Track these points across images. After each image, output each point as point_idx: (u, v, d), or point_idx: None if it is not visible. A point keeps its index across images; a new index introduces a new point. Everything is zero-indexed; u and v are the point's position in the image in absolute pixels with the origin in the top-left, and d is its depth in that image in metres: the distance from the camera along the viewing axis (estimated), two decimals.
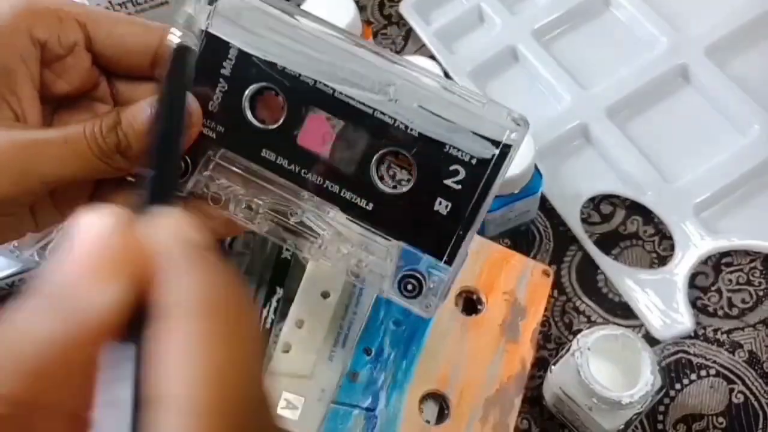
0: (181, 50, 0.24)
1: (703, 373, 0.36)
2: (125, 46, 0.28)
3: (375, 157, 0.26)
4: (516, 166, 0.36)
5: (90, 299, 0.16)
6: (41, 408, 0.15)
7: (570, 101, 0.44)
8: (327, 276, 0.36)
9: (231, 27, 0.27)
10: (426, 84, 0.25)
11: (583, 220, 0.41)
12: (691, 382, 0.36)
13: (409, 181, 0.26)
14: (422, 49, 0.48)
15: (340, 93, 0.26)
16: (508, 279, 0.37)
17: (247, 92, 0.27)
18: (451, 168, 0.25)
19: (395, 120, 0.26)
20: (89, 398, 0.16)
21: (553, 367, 0.33)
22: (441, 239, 0.26)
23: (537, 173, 0.38)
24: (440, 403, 0.35)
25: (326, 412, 0.33)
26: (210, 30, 0.27)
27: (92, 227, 0.17)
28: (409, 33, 0.50)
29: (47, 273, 0.16)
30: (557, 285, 0.39)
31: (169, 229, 0.17)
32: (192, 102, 0.26)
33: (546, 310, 0.38)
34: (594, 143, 0.43)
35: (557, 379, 0.32)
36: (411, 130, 0.25)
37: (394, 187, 0.26)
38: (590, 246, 0.40)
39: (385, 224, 0.26)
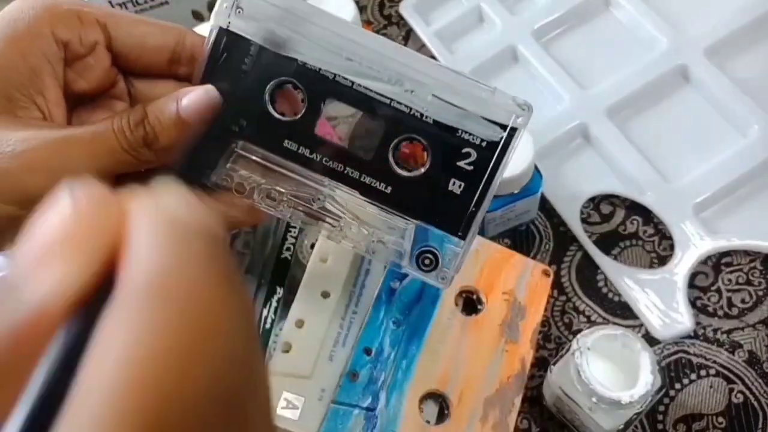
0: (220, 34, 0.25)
1: (702, 373, 0.36)
2: (144, 46, 0.29)
3: (392, 144, 0.28)
4: (516, 166, 0.36)
5: (39, 282, 0.14)
6: None
7: (570, 101, 0.44)
8: (327, 276, 0.36)
9: (251, 24, 0.28)
10: (438, 74, 0.28)
11: (583, 220, 0.41)
12: (691, 382, 0.36)
13: (424, 165, 0.28)
14: (422, 50, 0.48)
15: (359, 85, 0.28)
16: (508, 279, 0.37)
17: (268, 87, 0.28)
18: (464, 151, 0.28)
19: (411, 109, 0.28)
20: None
21: (552, 367, 0.33)
22: (455, 216, 0.28)
23: (537, 173, 0.38)
24: (440, 402, 0.35)
25: (326, 411, 0.33)
26: (230, 28, 0.28)
27: (58, 202, 0.15)
28: (409, 33, 0.50)
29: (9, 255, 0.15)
30: (557, 285, 0.39)
31: (154, 204, 0.15)
32: (217, 98, 0.27)
33: (546, 310, 0.38)
34: (594, 143, 0.43)
35: (557, 379, 0.32)
36: (426, 117, 0.28)
37: (411, 171, 0.28)
38: (590, 246, 0.40)
39: (402, 205, 0.28)
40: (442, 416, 0.34)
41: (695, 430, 0.35)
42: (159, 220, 0.15)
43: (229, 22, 0.28)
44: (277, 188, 0.28)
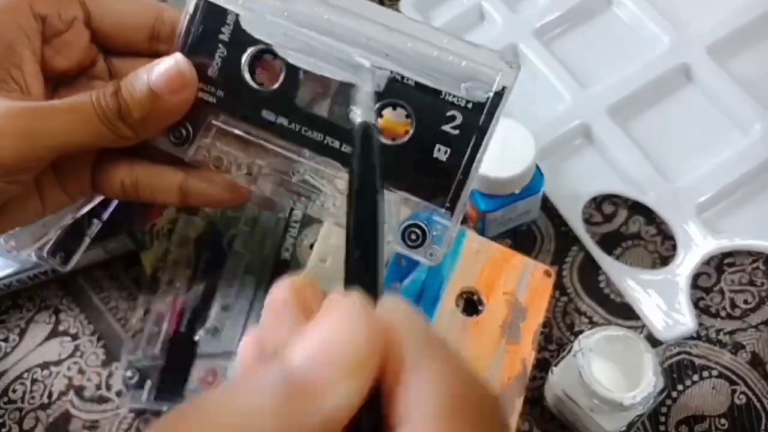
0: (367, 128, 0.23)
1: (705, 374, 0.36)
2: (123, 22, 0.29)
3: (375, 111, 0.26)
4: (517, 166, 0.36)
5: (326, 395, 0.15)
6: None
7: (571, 100, 0.43)
8: (326, 276, 0.36)
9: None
10: (419, 33, 0.26)
11: (585, 221, 0.40)
12: (694, 383, 0.35)
13: (407, 132, 0.27)
14: None
15: (339, 51, 0.27)
16: (509, 279, 0.37)
17: (245, 56, 0.27)
18: (449, 114, 0.26)
19: (391, 72, 0.26)
20: None
21: (554, 368, 0.33)
22: (442, 186, 0.26)
23: (538, 173, 0.38)
24: None
25: None
26: None
27: (341, 314, 0.16)
28: None
29: (293, 346, 0.16)
30: (559, 285, 0.39)
31: (405, 322, 0.17)
32: (186, 67, 0.26)
33: (547, 310, 0.37)
34: (595, 143, 0.43)
35: (559, 380, 0.32)
36: (407, 80, 0.26)
37: (393, 138, 0.27)
38: (592, 246, 0.39)
39: (386, 176, 0.26)
40: None
41: None
42: (417, 338, 0.16)
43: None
44: (257, 162, 0.27)
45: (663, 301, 0.37)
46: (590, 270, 0.39)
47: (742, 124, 0.41)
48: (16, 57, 0.26)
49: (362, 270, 0.19)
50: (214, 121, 0.27)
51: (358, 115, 0.23)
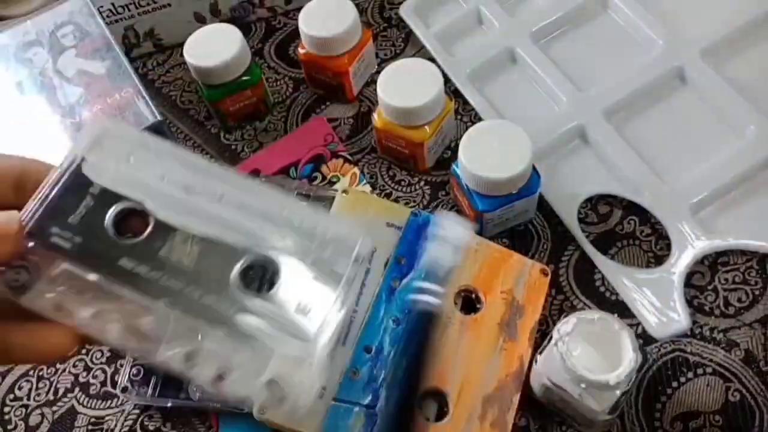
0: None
1: (699, 371, 0.36)
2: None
3: (238, 266, 0.26)
4: (514, 167, 0.37)
5: None
6: None
7: (567, 103, 0.44)
8: None
9: (103, 163, 0.27)
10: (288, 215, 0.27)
11: (581, 220, 0.41)
12: (688, 380, 0.36)
13: (272, 286, 0.26)
14: (421, 52, 0.49)
15: (212, 213, 0.27)
16: (506, 278, 0.38)
17: (111, 209, 0.27)
18: (313, 275, 0.26)
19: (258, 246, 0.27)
20: None
21: (538, 356, 0.33)
22: (301, 341, 0.26)
23: (535, 174, 0.39)
24: (439, 400, 0.35)
25: (327, 409, 0.34)
26: (83, 165, 0.27)
27: None
28: (409, 35, 0.50)
29: None
30: (555, 284, 0.39)
31: None
32: (13, 223, 0.25)
33: (544, 309, 0.38)
34: (591, 144, 0.43)
35: (543, 370, 0.33)
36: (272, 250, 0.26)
37: (259, 293, 0.26)
38: (588, 246, 0.40)
39: (246, 329, 0.26)
40: (441, 414, 0.35)
41: (692, 428, 0.35)
42: None
43: (83, 157, 0.27)
44: (106, 307, 0.26)
45: (657, 300, 0.38)
46: (586, 269, 0.40)
47: (736, 126, 0.42)
48: None
49: None
50: (62, 266, 0.26)
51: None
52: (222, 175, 0.28)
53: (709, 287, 0.38)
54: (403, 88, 0.40)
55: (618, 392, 0.31)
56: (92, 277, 0.26)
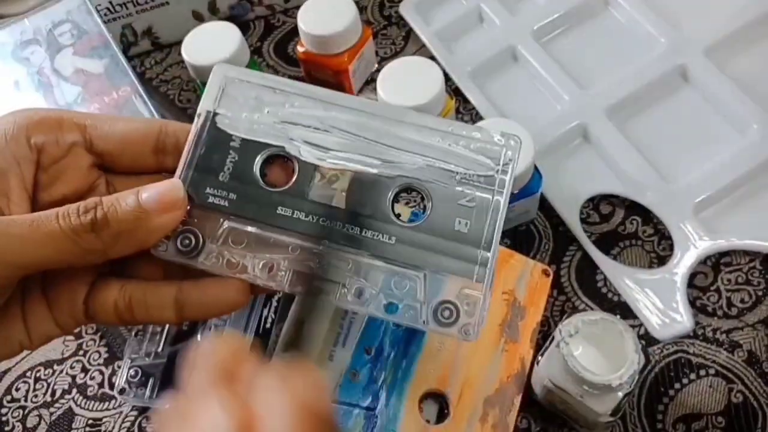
0: None
1: (702, 372, 0.36)
2: (126, 140, 0.28)
3: (389, 195, 0.27)
4: (516, 167, 0.36)
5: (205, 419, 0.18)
6: None
7: (569, 101, 0.44)
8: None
9: (236, 111, 0.28)
10: (423, 122, 0.28)
11: (583, 220, 0.41)
12: (691, 381, 0.36)
13: (425, 210, 0.27)
14: (422, 50, 0.49)
15: (352, 145, 0.28)
16: (507, 279, 0.37)
17: (257, 159, 0.28)
18: (463, 190, 0.27)
19: (403, 157, 0.27)
20: None
21: (540, 358, 0.33)
22: (467, 258, 0.26)
23: (537, 173, 0.38)
24: (440, 402, 0.35)
25: None
26: (216, 117, 0.28)
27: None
28: (409, 33, 0.50)
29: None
30: (557, 285, 0.39)
31: (287, 387, 0.20)
32: (181, 190, 0.26)
33: (545, 309, 0.38)
34: (593, 143, 0.43)
35: (544, 371, 0.33)
36: (420, 162, 0.27)
37: (413, 219, 0.27)
38: (590, 246, 0.40)
39: (410, 256, 0.27)
40: (441, 416, 0.35)
41: (694, 430, 0.35)
42: (291, 404, 0.20)
43: (216, 111, 0.28)
44: (275, 256, 0.27)
45: (660, 300, 0.37)
46: (588, 269, 0.39)
47: (740, 125, 0.42)
48: (4, 185, 0.26)
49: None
50: (226, 224, 0.27)
51: None
52: (351, 103, 0.28)
53: (712, 288, 0.38)
54: (404, 86, 0.40)
55: (620, 394, 0.31)
56: (254, 229, 0.27)
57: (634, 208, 0.41)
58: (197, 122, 0.28)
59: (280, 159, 0.28)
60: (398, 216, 0.27)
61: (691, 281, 0.38)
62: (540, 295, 0.37)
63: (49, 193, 0.28)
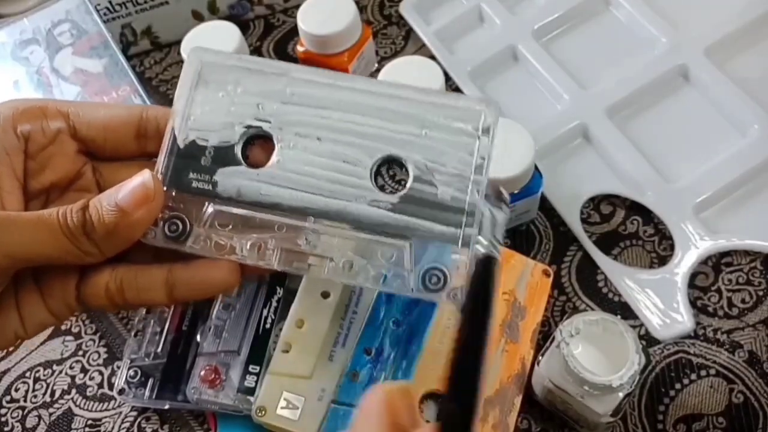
0: (488, 261, 0.24)
1: (703, 372, 0.36)
2: (108, 126, 0.29)
3: (372, 167, 0.27)
4: (516, 166, 0.36)
5: None
6: None
7: (570, 101, 0.44)
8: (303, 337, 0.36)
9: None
10: (402, 93, 0.28)
11: (583, 220, 0.41)
12: (691, 381, 0.36)
13: (405, 182, 0.27)
14: (422, 49, 0.49)
15: (338, 125, 0.28)
16: (508, 279, 0.37)
17: (238, 142, 0.28)
18: (443, 156, 0.27)
19: (382, 129, 0.28)
20: None
21: (540, 358, 0.33)
22: (451, 224, 0.27)
23: (537, 173, 0.38)
24: (440, 403, 0.35)
25: (326, 411, 0.33)
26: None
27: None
28: (409, 33, 0.50)
29: None
30: (557, 285, 0.39)
31: None
32: (152, 183, 0.26)
33: (546, 310, 0.38)
34: (594, 143, 0.43)
35: (545, 372, 0.32)
36: (399, 132, 0.28)
37: (396, 191, 0.28)
38: (590, 246, 0.40)
39: (395, 227, 0.27)
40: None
41: (695, 430, 0.35)
42: None
43: (193, 98, 0.28)
44: (262, 236, 0.27)
45: (661, 301, 0.37)
46: (588, 269, 0.39)
47: (740, 125, 0.42)
48: None
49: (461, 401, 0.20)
50: (211, 207, 0.27)
51: (482, 246, 0.25)
52: (330, 79, 0.28)
53: (713, 288, 0.38)
54: None
55: (621, 394, 0.31)
56: (240, 211, 0.27)
57: (634, 208, 0.41)
58: (175, 107, 0.28)
59: (260, 139, 0.28)
60: (381, 187, 0.27)
61: (692, 281, 0.38)
62: (540, 296, 0.37)
63: (38, 181, 0.28)
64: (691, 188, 0.40)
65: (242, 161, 0.28)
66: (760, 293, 0.38)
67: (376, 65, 0.49)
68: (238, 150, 0.28)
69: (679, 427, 0.35)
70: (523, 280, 0.37)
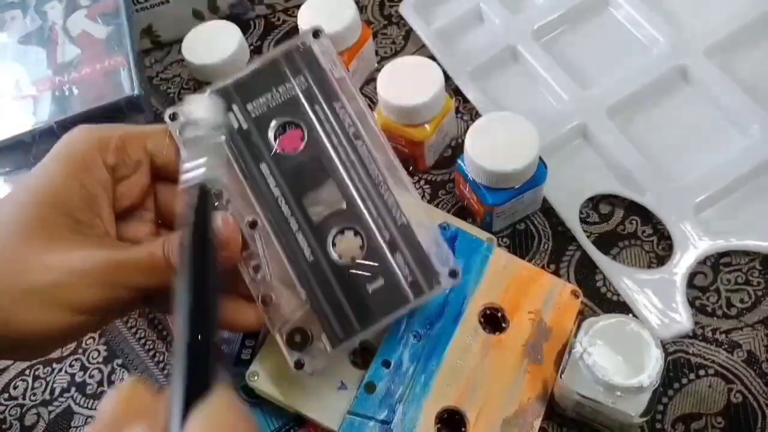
0: (203, 191, 0.26)
1: (701, 372, 0.36)
2: (177, 151, 0.31)
3: (335, 228, 0.31)
4: (523, 159, 0.36)
5: None
6: None
7: (569, 101, 0.44)
8: None
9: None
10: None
11: (582, 220, 0.41)
12: (690, 381, 0.36)
13: (356, 257, 0.31)
14: (422, 50, 0.49)
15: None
16: (535, 298, 0.36)
17: (279, 119, 0.32)
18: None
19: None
20: None
21: (562, 375, 0.32)
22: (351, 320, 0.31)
23: (542, 165, 0.38)
24: (457, 420, 0.34)
25: (342, 420, 0.33)
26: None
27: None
28: (409, 33, 0.50)
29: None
30: None
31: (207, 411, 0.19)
32: (229, 229, 0.30)
33: (572, 332, 0.35)
34: (593, 143, 0.43)
35: (570, 385, 0.32)
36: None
37: (340, 258, 0.31)
38: (589, 246, 0.40)
39: (311, 282, 0.31)
40: None
41: (694, 430, 0.35)
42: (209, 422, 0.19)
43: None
44: (232, 192, 0.31)
45: (659, 300, 0.37)
46: (587, 269, 0.39)
47: (740, 125, 0.42)
48: (98, 207, 0.30)
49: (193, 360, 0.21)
50: (225, 142, 0.31)
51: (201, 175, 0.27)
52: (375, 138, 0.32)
53: (712, 288, 0.38)
54: (404, 86, 0.40)
55: (650, 391, 0.31)
56: (234, 163, 0.31)
57: (633, 208, 0.41)
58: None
59: (295, 128, 0.31)
60: (334, 246, 0.32)
61: (691, 281, 0.38)
62: (568, 317, 0.36)
63: (118, 206, 0.31)
64: (690, 188, 0.40)
65: (273, 133, 0.32)
66: (759, 293, 0.38)
67: (376, 65, 0.49)
68: (274, 125, 0.32)
69: (677, 427, 0.35)
70: (551, 300, 0.36)
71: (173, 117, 0.32)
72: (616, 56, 0.46)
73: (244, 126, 0.31)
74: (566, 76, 0.44)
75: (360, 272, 0.31)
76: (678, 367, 0.36)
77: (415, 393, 0.34)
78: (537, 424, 0.33)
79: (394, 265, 0.31)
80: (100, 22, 0.43)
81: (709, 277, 0.38)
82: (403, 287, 0.30)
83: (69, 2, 0.44)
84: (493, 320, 0.36)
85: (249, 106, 0.32)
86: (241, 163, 0.31)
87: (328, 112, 0.32)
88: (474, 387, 0.34)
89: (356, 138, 0.32)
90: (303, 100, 0.32)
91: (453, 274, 0.31)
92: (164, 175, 0.32)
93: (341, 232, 0.31)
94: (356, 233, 0.31)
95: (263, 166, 0.31)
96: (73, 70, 0.41)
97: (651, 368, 0.30)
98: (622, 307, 0.38)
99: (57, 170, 0.29)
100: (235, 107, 0.32)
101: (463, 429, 0.33)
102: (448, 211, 0.42)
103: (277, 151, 0.31)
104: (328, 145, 0.32)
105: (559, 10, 0.47)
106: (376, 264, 0.30)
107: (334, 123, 0.32)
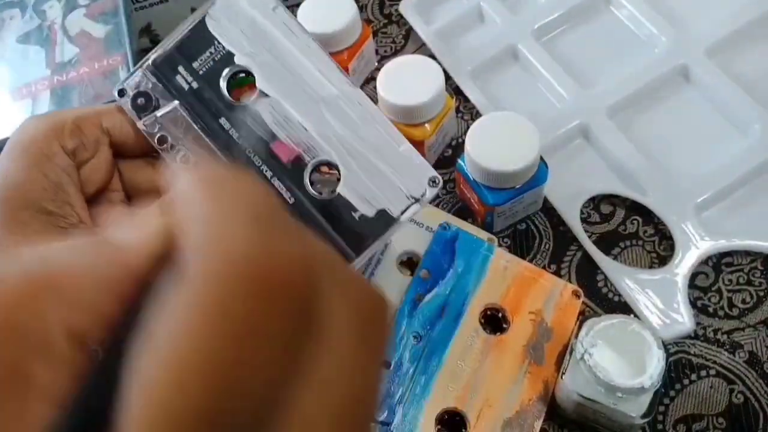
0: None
1: (703, 373, 0.36)
2: (134, 126, 0.31)
3: (311, 161, 0.30)
4: (524, 158, 0.36)
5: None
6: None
7: (570, 101, 0.44)
8: None
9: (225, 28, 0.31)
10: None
11: (583, 220, 0.40)
12: (691, 382, 0.36)
13: (334, 191, 0.30)
14: (422, 49, 0.48)
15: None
16: (536, 298, 0.36)
17: (227, 70, 0.30)
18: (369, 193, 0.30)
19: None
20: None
21: (564, 376, 0.32)
22: (345, 243, 0.30)
23: (543, 164, 0.38)
24: (458, 421, 0.34)
25: None
26: (207, 23, 0.31)
27: None
28: (409, 32, 0.50)
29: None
30: None
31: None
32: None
33: (573, 332, 0.36)
34: (594, 143, 0.43)
35: (572, 386, 0.32)
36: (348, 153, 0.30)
37: (320, 193, 0.30)
38: (590, 246, 0.39)
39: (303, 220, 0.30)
40: None
41: (695, 431, 0.34)
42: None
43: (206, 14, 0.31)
44: (196, 153, 0.30)
45: (661, 301, 0.37)
46: (588, 269, 0.39)
47: (741, 125, 0.42)
48: (66, 195, 0.28)
49: None
50: (175, 103, 0.30)
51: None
52: (324, 62, 0.30)
53: (713, 288, 0.38)
54: (404, 85, 0.40)
55: (651, 392, 0.31)
56: (194, 124, 0.30)
57: (634, 207, 0.41)
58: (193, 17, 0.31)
59: (249, 80, 0.30)
60: (312, 183, 0.30)
61: (692, 281, 0.38)
62: (569, 317, 0.36)
63: (86, 192, 0.30)
64: (692, 188, 0.40)
65: (224, 86, 0.30)
66: (761, 293, 0.37)
67: (376, 64, 0.48)
68: (224, 76, 0.30)
69: (679, 428, 0.35)
70: (552, 300, 0.36)
71: (121, 93, 0.31)
72: (617, 56, 0.45)
73: (195, 85, 0.31)
74: (567, 76, 0.44)
75: (343, 202, 0.30)
76: (679, 368, 0.36)
77: (415, 394, 0.33)
78: (538, 425, 0.33)
79: (374, 188, 0.30)
80: (98, 21, 0.43)
81: (711, 278, 0.38)
82: (387, 207, 0.30)
83: (68, 1, 0.44)
84: (494, 321, 0.36)
85: (195, 65, 0.31)
86: (201, 123, 0.31)
87: (271, 55, 0.31)
88: (474, 388, 0.34)
89: (303, 68, 0.31)
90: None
91: (433, 182, 0.30)
92: (125, 152, 0.31)
93: (316, 168, 0.30)
94: (331, 166, 0.30)
95: (223, 121, 0.31)
96: (72, 69, 0.41)
97: (652, 369, 0.30)
98: (623, 307, 0.38)
99: (15, 165, 0.28)
100: (181, 68, 0.31)
101: (463, 430, 0.33)
102: (449, 211, 0.42)
103: (233, 103, 0.31)
104: (281, 85, 0.31)
105: (560, 9, 0.47)
106: (357, 190, 0.30)
107: (280, 63, 0.31)
